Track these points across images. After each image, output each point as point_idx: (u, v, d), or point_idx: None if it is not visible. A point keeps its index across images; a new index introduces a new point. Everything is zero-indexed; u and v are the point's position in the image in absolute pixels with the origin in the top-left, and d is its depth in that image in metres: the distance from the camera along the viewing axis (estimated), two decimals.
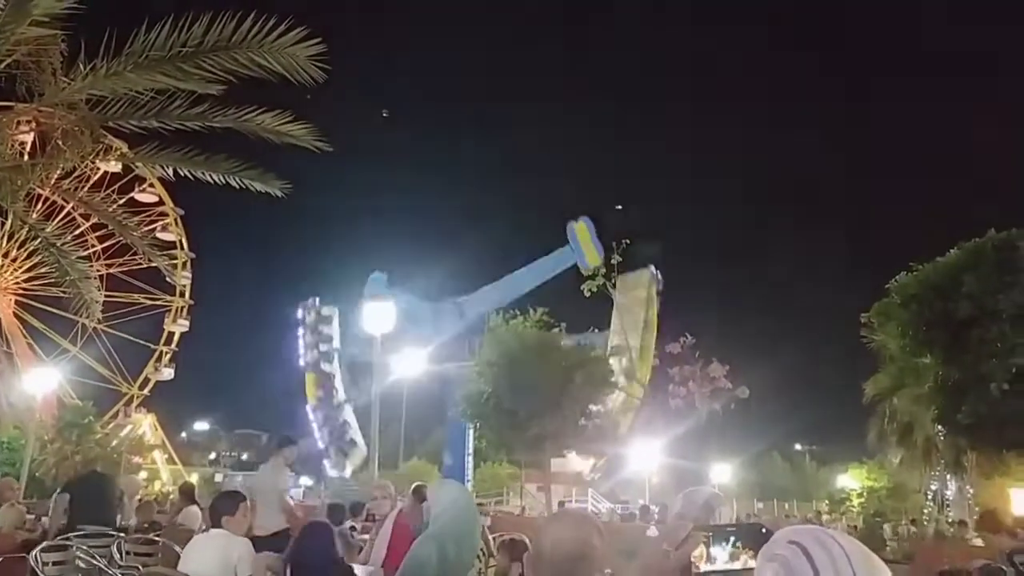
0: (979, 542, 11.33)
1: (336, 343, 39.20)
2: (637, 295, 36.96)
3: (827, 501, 41.75)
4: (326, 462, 37.84)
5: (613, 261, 31.26)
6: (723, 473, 39.32)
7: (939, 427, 18.00)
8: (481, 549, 6.88)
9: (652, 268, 37.59)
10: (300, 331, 39.31)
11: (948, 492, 30.34)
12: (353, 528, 8.76)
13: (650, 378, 34.95)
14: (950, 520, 25.48)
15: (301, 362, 39.04)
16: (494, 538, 7.85)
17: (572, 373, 21.02)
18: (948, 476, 27.83)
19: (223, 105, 9.29)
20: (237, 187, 10.46)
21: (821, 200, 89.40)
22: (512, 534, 6.27)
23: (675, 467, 30.54)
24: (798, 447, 55.63)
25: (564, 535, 2.04)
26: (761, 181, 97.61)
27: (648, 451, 26.75)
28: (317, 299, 39.81)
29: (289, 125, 9.77)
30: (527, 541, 5.33)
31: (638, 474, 29.36)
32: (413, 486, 7.25)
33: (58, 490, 8.95)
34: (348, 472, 36.69)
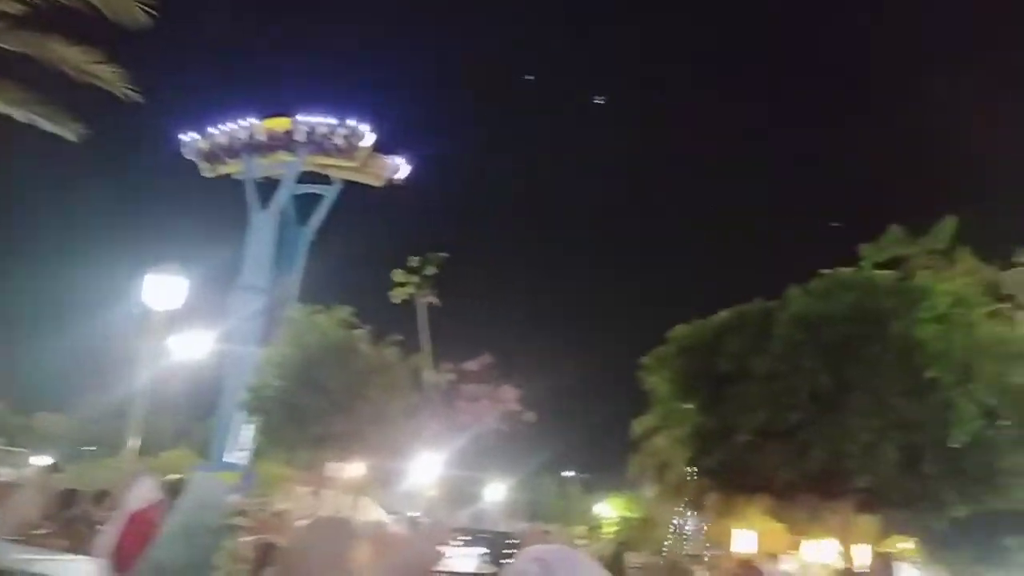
0: None
1: None
2: None
3: (586, 526, 44.47)
4: None
5: (428, 273, 31.37)
6: (497, 491, 40.70)
7: (690, 468, 19.90)
8: (229, 550, 6.54)
9: None
10: None
11: (688, 527, 33.73)
12: None
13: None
14: (686, 553, 28.22)
15: None
16: (249, 540, 7.50)
17: (369, 378, 20.74)
18: (690, 513, 30.94)
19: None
20: (23, 122, 9.16)
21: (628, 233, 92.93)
22: (265, 536, 6.00)
23: (452, 481, 31.07)
24: (569, 473, 58.66)
25: (319, 545, 1.92)
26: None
27: (430, 464, 26.98)
28: None
29: (99, 65, 8.75)
30: (278, 545, 5.15)
31: (417, 486, 29.49)
32: (166, 478, 6.78)
33: None
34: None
